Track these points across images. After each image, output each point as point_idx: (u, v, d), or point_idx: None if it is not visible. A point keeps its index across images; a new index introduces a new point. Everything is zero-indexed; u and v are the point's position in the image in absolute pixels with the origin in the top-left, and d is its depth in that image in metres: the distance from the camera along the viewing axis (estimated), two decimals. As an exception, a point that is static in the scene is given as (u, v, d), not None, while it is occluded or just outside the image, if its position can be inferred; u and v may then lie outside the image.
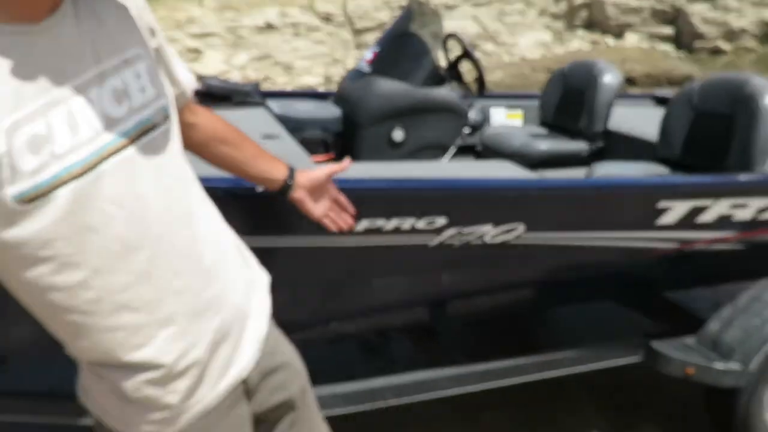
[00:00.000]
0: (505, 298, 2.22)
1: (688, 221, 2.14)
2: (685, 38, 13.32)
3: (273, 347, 1.19)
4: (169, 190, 0.97)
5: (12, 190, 0.79)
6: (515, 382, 2.12)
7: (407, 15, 3.06)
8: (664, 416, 2.60)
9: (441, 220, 1.79)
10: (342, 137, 2.85)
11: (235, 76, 9.18)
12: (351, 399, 1.96)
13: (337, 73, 10.35)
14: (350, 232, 1.69)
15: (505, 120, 3.64)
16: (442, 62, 3.19)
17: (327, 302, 1.94)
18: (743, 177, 2.33)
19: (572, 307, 2.93)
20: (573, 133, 3.28)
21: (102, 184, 0.86)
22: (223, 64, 9.56)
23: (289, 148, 2.14)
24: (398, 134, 2.82)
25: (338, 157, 2.68)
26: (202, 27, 9.95)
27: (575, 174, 3.01)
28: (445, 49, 3.31)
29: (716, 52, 13.19)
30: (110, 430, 1.03)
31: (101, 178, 0.86)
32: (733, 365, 2.15)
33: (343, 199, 1.49)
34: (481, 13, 12.46)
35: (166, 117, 0.97)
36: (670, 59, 11.26)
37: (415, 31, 2.99)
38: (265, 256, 1.69)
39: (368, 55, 3.00)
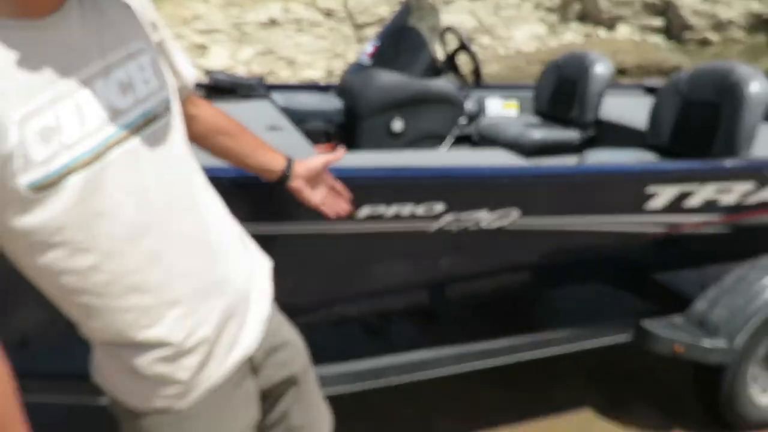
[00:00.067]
0: (501, 281, 2.22)
1: (675, 206, 2.14)
2: (674, 30, 13.25)
3: (276, 327, 1.21)
4: (174, 178, 0.98)
5: (25, 179, 0.80)
6: (512, 360, 2.13)
7: (406, 10, 3.05)
8: (654, 393, 2.62)
9: (439, 207, 1.80)
10: (344, 128, 2.84)
11: (241, 71, 9.15)
12: (356, 378, 1.98)
13: (339, 66, 10.30)
14: (349, 219, 1.70)
15: (501, 110, 3.63)
16: (440, 55, 3.18)
17: (331, 286, 1.94)
18: (728, 162, 2.33)
19: (565, 289, 2.94)
20: (566, 122, 3.27)
21: (109, 172, 0.88)
22: (228, 59, 9.52)
23: (293, 139, 2.15)
24: (398, 124, 2.82)
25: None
26: (207, 23, 9.90)
27: (568, 161, 3.01)
28: (443, 43, 3.30)
29: (705, 43, 13.13)
30: (124, 406, 1.04)
31: (108, 167, 0.87)
32: (720, 343, 2.17)
33: (339, 186, 1.49)
34: (478, 7, 12.39)
35: (168, 108, 0.98)
36: (661, 50, 11.21)
37: (413, 26, 2.98)
38: (271, 243, 1.70)
39: (369, 48, 2.99)
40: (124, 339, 0.97)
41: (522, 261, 2.17)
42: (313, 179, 1.43)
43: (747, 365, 2.25)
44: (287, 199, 1.66)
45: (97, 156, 0.86)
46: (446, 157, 2.69)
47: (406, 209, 1.76)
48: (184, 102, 1.16)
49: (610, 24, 13.08)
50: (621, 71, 9.43)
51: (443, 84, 2.96)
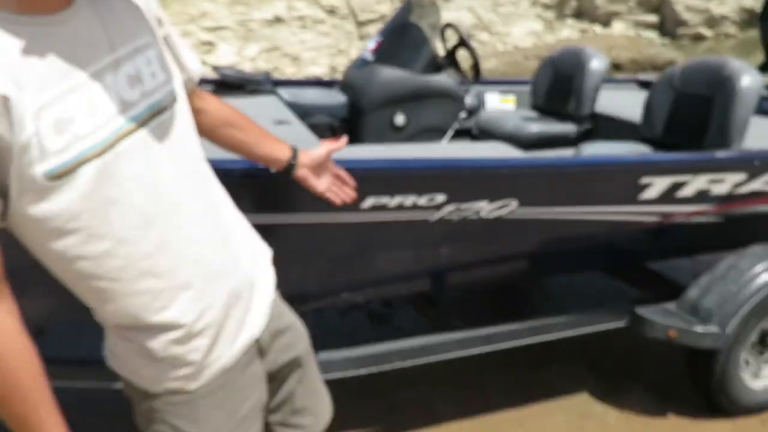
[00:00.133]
0: (501, 269, 2.22)
1: (668, 196, 2.14)
2: (668, 25, 13.19)
3: (279, 312, 1.23)
4: (182, 167, 0.99)
5: (41, 168, 0.81)
6: (511, 345, 2.14)
7: (407, 7, 3.04)
8: (650, 377, 2.62)
9: (441, 197, 1.80)
10: (348, 122, 2.84)
11: (246, 67, 9.12)
12: (361, 362, 1.99)
13: (342, 63, 10.27)
14: (354, 208, 1.71)
15: (499, 104, 3.62)
16: (440, 51, 3.18)
17: (338, 274, 1.95)
18: (720, 154, 2.33)
19: (563, 277, 2.95)
20: (562, 116, 3.26)
21: (120, 161, 0.88)
22: (234, 56, 9.50)
23: (299, 132, 2.15)
24: (400, 119, 2.81)
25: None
26: (214, 21, 9.87)
27: (564, 154, 3.01)
28: (443, 39, 3.29)
29: (698, 38, 13.07)
30: (138, 388, 1.05)
31: (120, 157, 0.88)
32: (712, 328, 2.17)
33: (343, 174, 1.50)
34: (476, 4, 12.33)
35: (175, 100, 0.99)
36: (655, 46, 11.16)
37: (414, 22, 2.97)
38: (280, 232, 1.71)
39: (371, 44, 2.99)
40: (138, 322, 0.98)
41: (521, 250, 2.17)
42: (318, 168, 1.44)
43: (738, 350, 2.26)
44: (294, 190, 1.67)
45: (108, 146, 0.87)
46: (447, 149, 2.69)
47: (409, 200, 1.76)
48: (192, 96, 1.17)
49: (606, 20, 13.02)
50: (616, 66, 9.39)
51: (444, 79, 2.96)
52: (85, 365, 1.64)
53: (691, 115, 2.55)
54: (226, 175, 1.55)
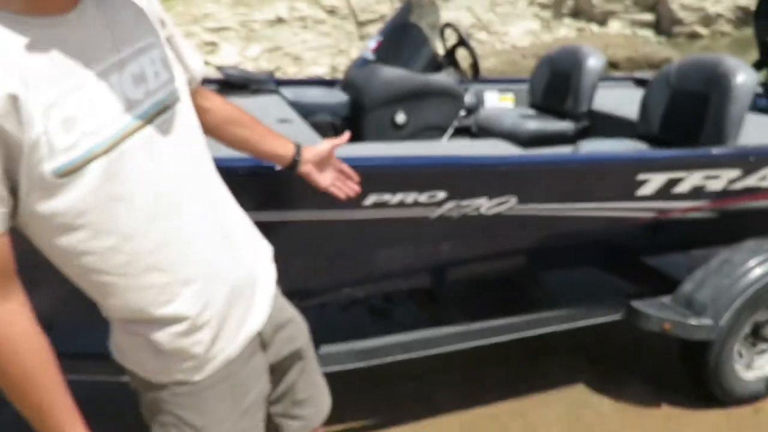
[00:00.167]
0: (500, 264, 2.23)
1: (665, 192, 2.15)
2: (664, 24, 13.18)
3: (280, 306, 1.24)
4: (185, 164, 1.00)
5: (50, 165, 0.82)
6: (510, 338, 2.15)
7: (407, 7, 3.04)
8: (646, 370, 2.63)
9: (441, 194, 1.81)
10: (349, 120, 2.84)
11: (249, 67, 9.11)
12: (364, 355, 2.00)
13: (342, 62, 10.26)
14: (358, 204, 1.71)
15: (498, 103, 3.62)
16: (440, 50, 3.18)
17: (340, 270, 1.95)
18: (716, 150, 2.32)
19: (560, 271, 2.95)
20: (560, 114, 3.26)
21: (126, 159, 0.89)
22: (237, 56, 9.49)
23: (302, 131, 2.16)
24: (400, 117, 2.81)
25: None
26: (217, 22, 9.86)
27: (562, 151, 3.01)
28: (443, 38, 3.29)
29: (694, 36, 13.06)
30: (144, 381, 1.06)
31: (125, 154, 0.89)
32: (706, 321, 2.18)
33: (347, 169, 1.50)
34: (475, 4, 12.32)
35: (178, 99, 1.00)
36: (651, 44, 11.14)
37: (414, 22, 2.97)
38: (283, 229, 1.72)
39: (372, 44, 2.99)
40: (144, 315, 0.98)
41: (520, 245, 2.18)
42: (322, 163, 1.44)
43: (732, 342, 2.27)
44: (297, 188, 1.68)
45: (115, 144, 0.88)
46: (447, 147, 2.69)
47: (410, 197, 1.77)
48: (197, 95, 1.18)
49: (602, 19, 13.01)
50: (613, 64, 9.38)
51: (444, 78, 2.95)
52: (92, 359, 1.66)
53: (687, 112, 2.55)
54: (231, 173, 1.56)
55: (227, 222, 1.09)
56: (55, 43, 0.83)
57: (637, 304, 2.25)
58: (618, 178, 2.13)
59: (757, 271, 2.23)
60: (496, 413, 2.37)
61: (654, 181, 2.11)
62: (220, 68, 2.77)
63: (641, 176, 2.09)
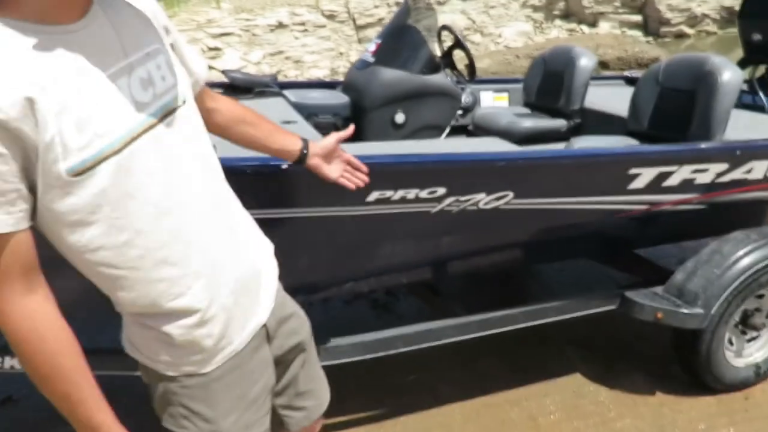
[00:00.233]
0: (498, 258, 2.23)
1: (655, 185, 2.15)
2: (652, 24, 13.18)
3: (282, 300, 1.25)
4: (192, 163, 1.01)
5: (64, 165, 0.83)
6: (508, 329, 2.15)
7: (405, 10, 3.04)
8: (641, 360, 2.64)
9: (441, 190, 1.81)
10: (350, 121, 2.84)
11: (252, 71, 9.11)
12: (367, 347, 2.00)
13: (342, 65, 10.27)
14: (362, 200, 1.72)
15: (493, 102, 3.62)
16: (437, 52, 3.18)
17: (345, 265, 1.96)
18: (704, 145, 2.33)
19: (556, 264, 2.96)
20: (553, 112, 3.26)
21: (136, 158, 0.90)
22: (240, 61, 9.49)
23: (305, 132, 2.16)
24: (400, 117, 2.81)
25: (348, 139, 2.70)
26: (220, 27, 9.85)
27: (556, 148, 3.02)
28: (439, 40, 3.29)
29: (680, 36, 13.07)
30: (156, 373, 1.07)
31: (135, 153, 0.90)
32: (697, 310, 2.18)
33: (354, 160, 1.49)
34: (469, 7, 12.31)
35: (184, 101, 1.01)
36: (639, 44, 11.12)
37: (412, 25, 2.97)
38: (289, 226, 1.73)
39: (371, 46, 2.98)
40: (155, 309, 0.99)
41: (517, 239, 2.18)
42: (329, 156, 1.44)
43: (722, 330, 2.27)
44: (302, 186, 1.69)
45: (125, 144, 0.89)
46: (446, 145, 2.70)
47: (412, 193, 1.77)
48: (205, 97, 1.21)
49: (592, 20, 13.01)
50: (603, 64, 9.36)
51: (441, 79, 2.95)
52: (106, 354, 1.66)
53: (676, 108, 2.55)
54: (238, 172, 1.57)
55: (232, 218, 1.11)
56: (67, 49, 0.84)
57: (631, 295, 2.26)
58: (611, 172, 2.13)
59: (746, 261, 2.23)
60: (496, 402, 2.37)
61: (645, 175, 2.12)
62: (225, 72, 2.78)
63: (633, 170, 2.09)
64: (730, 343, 2.39)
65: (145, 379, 1.12)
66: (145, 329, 1.02)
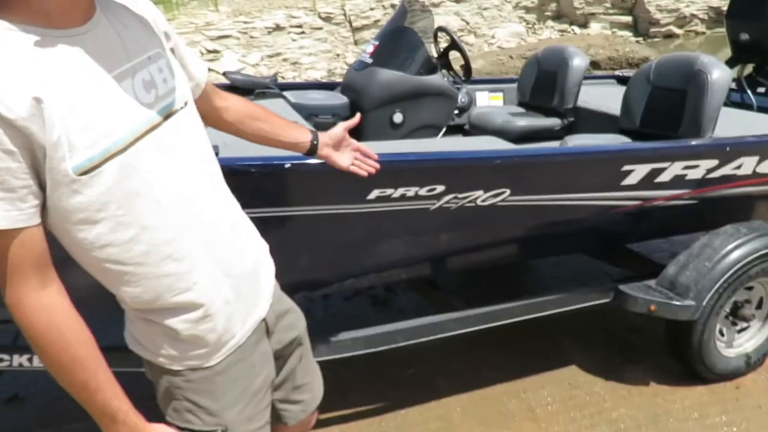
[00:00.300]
0: (496, 253, 2.24)
1: (648, 182, 2.16)
2: (641, 25, 13.23)
3: (279, 296, 1.26)
4: (194, 162, 1.02)
5: (71, 163, 0.83)
6: (505, 322, 2.16)
7: (402, 12, 3.04)
8: (633, 350, 2.66)
9: (440, 188, 1.82)
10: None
11: (250, 73, 9.10)
12: (368, 342, 2.01)
13: (338, 66, 10.27)
14: (363, 198, 1.73)
15: (488, 101, 3.63)
16: (433, 53, 3.19)
17: (347, 262, 1.96)
18: (694, 142, 2.34)
19: (553, 258, 2.96)
20: (547, 111, 3.27)
21: (141, 157, 0.91)
22: (238, 63, 9.48)
23: (306, 131, 2.16)
24: (398, 117, 2.82)
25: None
26: (219, 30, 9.84)
27: (552, 146, 3.02)
28: (436, 41, 3.30)
29: (669, 36, 13.12)
30: (160, 368, 1.07)
31: (140, 152, 0.91)
32: (689, 302, 2.20)
33: (364, 147, 1.50)
34: (463, 9, 12.33)
35: (184, 103, 1.02)
36: (630, 44, 11.16)
37: (409, 26, 2.98)
38: (293, 224, 1.74)
39: (369, 48, 2.99)
40: (162, 303, 1.00)
41: (514, 234, 2.18)
42: (339, 145, 1.45)
43: (714, 321, 2.29)
44: (306, 185, 1.69)
45: (130, 143, 0.90)
46: (445, 144, 2.70)
47: (411, 191, 1.78)
48: (213, 96, 1.23)
49: (583, 21, 13.05)
50: (593, 64, 9.38)
51: (438, 79, 2.96)
52: (109, 351, 1.66)
53: (667, 107, 2.56)
54: (244, 172, 1.58)
55: (232, 217, 1.12)
56: (72, 51, 0.85)
57: (625, 288, 2.27)
58: (604, 169, 2.14)
59: (736, 254, 2.25)
60: (494, 394, 2.39)
61: (638, 172, 2.13)
62: (225, 74, 2.78)
63: (626, 167, 2.10)
64: (721, 334, 2.41)
65: (148, 375, 1.12)
66: (150, 325, 1.03)
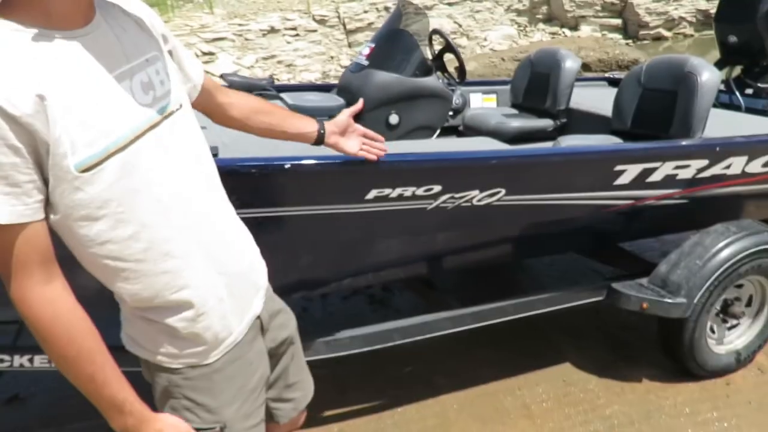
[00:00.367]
0: (491, 252, 2.25)
1: (640, 181, 2.17)
2: (631, 27, 13.29)
3: (271, 296, 1.27)
4: (191, 162, 1.03)
5: (73, 161, 0.84)
6: (500, 320, 2.17)
7: (397, 14, 3.05)
8: (626, 348, 2.68)
9: (437, 188, 1.82)
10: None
11: (246, 75, 9.08)
12: (366, 340, 2.01)
13: (333, 68, 10.27)
14: (361, 198, 1.73)
15: (482, 103, 3.64)
16: (428, 55, 3.19)
17: (345, 261, 1.96)
18: (685, 142, 2.36)
19: (546, 257, 2.96)
20: (540, 112, 3.28)
21: (141, 155, 0.92)
22: (233, 65, 9.46)
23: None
24: (393, 118, 2.82)
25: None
26: (214, 33, 9.82)
27: (545, 146, 3.03)
28: (430, 44, 3.31)
29: (658, 38, 13.19)
30: (158, 367, 1.07)
31: (140, 151, 0.92)
32: (680, 299, 2.21)
33: (370, 132, 1.52)
34: (455, 11, 12.35)
35: (180, 105, 1.03)
36: (620, 46, 11.20)
37: (404, 29, 2.98)
38: (291, 223, 1.74)
39: (365, 50, 2.99)
40: (160, 300, 1.00)
41: (509, 233, 2.19)
42: (345, 132, 1.47)
43: (704, 319, 2.31)
44: (304, 186, 1.70)
45: (131, 141, 0.91)
46: (441, 145, 2.71)
47: (408, 191, 1.79)
48: (217, 93, 1.24)
49: (574, 24, 13.10)
50: (584, 66, 9.41)
51: (433, 81, 2.96)
52: (119, 350, 1.66)
53: (657, 108, 2.58)
54: (243, 172, 1.58)
55: (227, 216, 1.13)
56: (73, 52, 0.87)
57: (617, 286, 2.29)
58: (597, 169, 2.15)
59: (726, 252, 2.27)
60: (490, 391, 2.40)
61: (630, 172, 2.14)
62: (222, 76, 2.78)
63: (618, 167, 2.11)
64: (712, 331, 2.43)
65: (146, 375, 1.12)
66: (149, 323, 1.03)
